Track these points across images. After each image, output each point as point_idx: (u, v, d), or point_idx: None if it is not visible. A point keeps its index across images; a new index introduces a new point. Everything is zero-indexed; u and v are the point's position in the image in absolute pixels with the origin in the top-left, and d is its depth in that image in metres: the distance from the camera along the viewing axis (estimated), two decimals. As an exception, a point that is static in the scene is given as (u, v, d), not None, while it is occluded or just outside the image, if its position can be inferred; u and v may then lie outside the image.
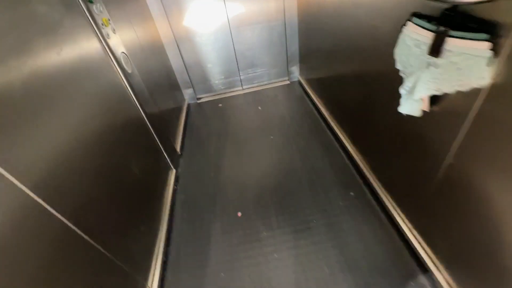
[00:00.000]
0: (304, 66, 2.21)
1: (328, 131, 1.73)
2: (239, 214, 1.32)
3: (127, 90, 1.20)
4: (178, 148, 1.79)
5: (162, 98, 1.72)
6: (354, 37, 1.17)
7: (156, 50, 1.84)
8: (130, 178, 1.07)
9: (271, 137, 1.78)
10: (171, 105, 1.91)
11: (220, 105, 2.26)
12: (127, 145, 1.10)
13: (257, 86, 2.41)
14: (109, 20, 1.12)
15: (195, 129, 2.02)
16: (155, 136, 1.42)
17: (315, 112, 1.94)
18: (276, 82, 2.42)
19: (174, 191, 1.51)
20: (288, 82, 2.41)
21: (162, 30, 1.95)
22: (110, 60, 1.10)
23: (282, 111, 2.03)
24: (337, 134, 1.62)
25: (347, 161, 1.48)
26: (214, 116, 2.13)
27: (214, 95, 2.40)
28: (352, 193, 1.31)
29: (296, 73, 2.37)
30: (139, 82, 1.32)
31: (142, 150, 1.25)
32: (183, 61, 2.13)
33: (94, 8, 1.02)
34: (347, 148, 1.49)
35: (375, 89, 1.08)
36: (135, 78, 1.28)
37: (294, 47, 2.19)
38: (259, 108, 2.11)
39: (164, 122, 1.65)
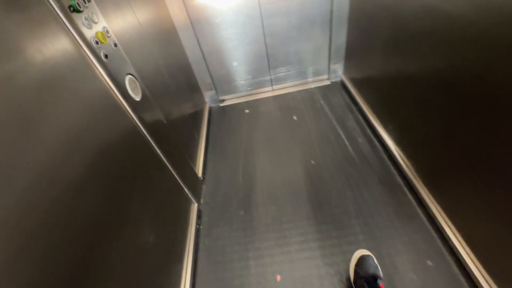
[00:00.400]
0: (351, 64, 1.78)
1: (387, 160, 1.37)
2: (278, 277, 1.05)
3: (135, 126, 0.90)
4: (199, 171, 1.51)
5: (177, 105, 1.41)
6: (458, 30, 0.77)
7: (170, 48, 1.50)
8: (139, 245, 0.82)
9: (312, 162, 1.45)
10: (189, 110, 1.60)
11: (247, 111, 1.92)
12: (135, 205, 0.83)
13: (290, 86, 2.03)
14: (107, 32, 0.80)
15: (219, 143, 1.72)
16: (171, 169, 1.14)
17: (367, 128, 1.56)
18: (313, 82, 2.02)
19: (197, 231, 1.26)
20: (328, 82, 2.00)
21: (175, 12, 1.59)
22: (111, 90, 0.79)
23: (323, 125, 1.66)
24: (402, 168, 1.26)
25: (419, 212, 1.14)
26: (240, 126, 1.81)
27: (239, 97, 2.06)
28: (430, 263, 0.99)
29: (339, 71, 1.95)
30: (151, 107, 1.01)
31: (154, 196, 0.98)
32: (204, 56, 1.78)
33: (83, 19, 0.70)
34: (420, 194, 1.14)
35: (496, 125, 0.71)
36: (146, 103, 0.97)
37: (341, 38, 1.74)
38: (295, 118, 1.76)
39: (181, 141, 1.36)
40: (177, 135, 1.30)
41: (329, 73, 1.97)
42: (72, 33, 0.66)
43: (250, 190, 1.39)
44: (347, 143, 1.50)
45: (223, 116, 1.94)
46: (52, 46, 0.60)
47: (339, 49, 1.81)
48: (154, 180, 0.98)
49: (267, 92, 2.04)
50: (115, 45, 0.83)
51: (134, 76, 0.91)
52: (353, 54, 1.72)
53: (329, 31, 1.75)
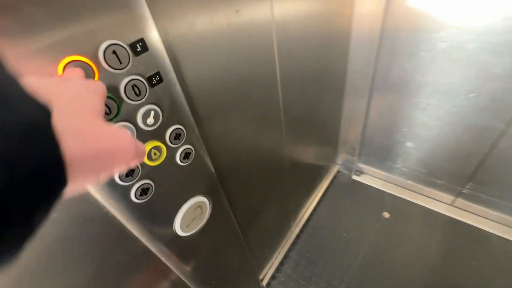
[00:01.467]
0: None
1: None
2: None
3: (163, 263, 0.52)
4: (267, 275, 1.05)
5: (277, 152, 0.95)
6: None
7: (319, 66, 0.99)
8: None
9: None
10: (300, 169, 1.08)
11: (387, 215, 1.21)
12: None
13: (489, 219, 1.10)
14: (177, 137, 0.39)
15: (316, 248, 1.16)
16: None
17: None
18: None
19: None
20: None
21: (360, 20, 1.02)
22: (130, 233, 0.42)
23: None
24: None
25: None
26: (362, 235, 1.15)
27: (386, 182, 1.34)
28: None
29: None
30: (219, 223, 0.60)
31: None
32: (368, 107, 1.15)
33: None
34: None
35: None
36: (206, 231, 0.57)
37: None
38: (469, 297, 0.92)
39: (256, 238, 0.92)
40: (250, 226, 0.86)
41: None
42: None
43: None
44: None
45: (348, 197, 1.32)
46: None
47: None
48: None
49: (440, 203, 1.21)
50: (187, 155, 0.42)
51: (207, 197, 0.50)
52: None
53: None
